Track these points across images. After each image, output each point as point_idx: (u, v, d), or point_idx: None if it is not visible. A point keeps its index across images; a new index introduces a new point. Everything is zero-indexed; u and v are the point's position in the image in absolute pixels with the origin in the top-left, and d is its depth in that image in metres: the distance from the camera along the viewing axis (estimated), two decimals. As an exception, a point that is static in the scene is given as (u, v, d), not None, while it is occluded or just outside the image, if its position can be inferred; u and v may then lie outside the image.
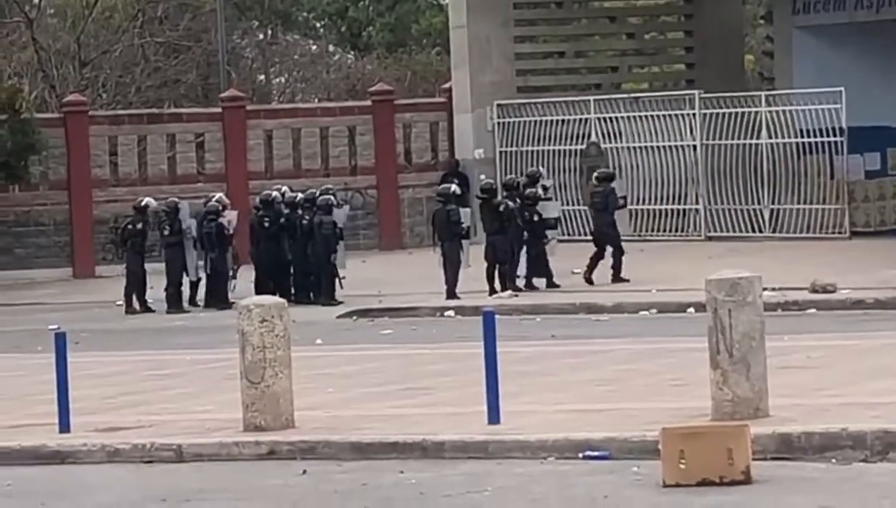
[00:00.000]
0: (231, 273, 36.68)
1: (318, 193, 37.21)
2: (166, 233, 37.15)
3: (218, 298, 36.37)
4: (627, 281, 35.01)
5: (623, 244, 35.95)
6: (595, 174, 38.63)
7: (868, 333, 25.30)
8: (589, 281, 35.32)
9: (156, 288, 36.79)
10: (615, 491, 14.67)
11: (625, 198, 38.31)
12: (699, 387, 17.27)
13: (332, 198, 36.89)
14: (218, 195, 38.33)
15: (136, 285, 37.14)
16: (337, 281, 36.07)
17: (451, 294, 34.66)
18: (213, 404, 20.34)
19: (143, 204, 38.12)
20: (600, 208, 36.78)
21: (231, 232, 36.75)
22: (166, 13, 65.55)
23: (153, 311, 36.54)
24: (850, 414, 16.65)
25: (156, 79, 63.58)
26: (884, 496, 13.80)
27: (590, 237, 43.57)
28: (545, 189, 37.53)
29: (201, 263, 36.56)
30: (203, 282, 36.82)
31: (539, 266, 35.63)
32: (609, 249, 35.89)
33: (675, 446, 14.85)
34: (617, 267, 35.67)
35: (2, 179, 45.61)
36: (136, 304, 36.86)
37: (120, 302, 37.06)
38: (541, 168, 40.91)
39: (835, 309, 29.51)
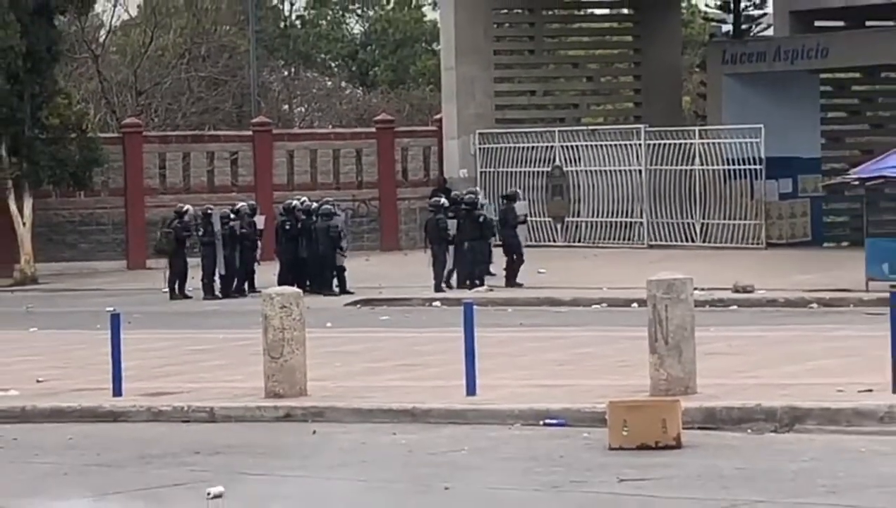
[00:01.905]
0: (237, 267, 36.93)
1: (318, 204, 37.33)
2: (200, 234, 37.22)
3: (228, 287, 36.62)
4: (521, 285, 34.65)
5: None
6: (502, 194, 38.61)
7: (779, 327, 25.34)
8: (513, 285, 35.10)
9: (195, 279, 36.84)
10: (569, 452, 14.67)
11: (525, 215, 38.22)
12: (640, 368, 17.29)
13: (331, 207, 37.02)
14: (233, 207, 38.17)
15: (177, 276, 37.21)
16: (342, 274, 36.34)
17: (438, 288, 34.67)
18: (240, 375, 20.34)
19: (184, 209, 38.18)
20: (502, 223, 36.66)
21: (239, 233, 36.83)
22: (208, 52, 65.64)
23: (191, 298, 36.54)
24: (764, 393, 16.68)
25: (198, 106, 63.66)
26: (791, 460, 13.81)
27: (551, 244, 44.02)
28: (481, 206, 37.30)
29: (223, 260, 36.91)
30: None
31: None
32: (513, 256, 35.64)
33: (619, 416, 14.87)
34: (512, 273, 35.28)
35: (70, 186, 45.64)
36: (177, 292, 36.99)
37: (165, 290, 37.09)
38: (479, 189, 40.83)
39: (752, 307, 29.54)
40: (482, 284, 34.76)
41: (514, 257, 35.52)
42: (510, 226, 36.33)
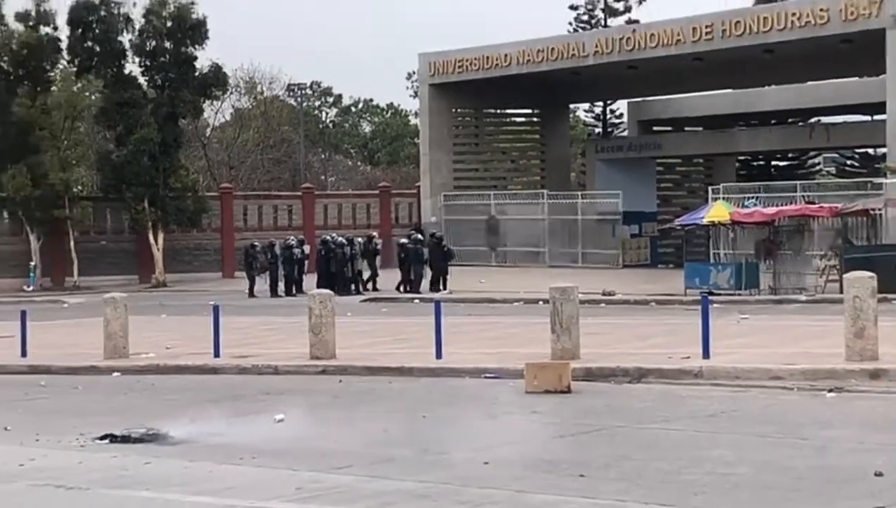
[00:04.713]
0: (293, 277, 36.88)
1: (340, 238, 37.54)
2: (269, 257, 37.34)
3: (290, 290, 36.61)
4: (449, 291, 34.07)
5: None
6: (434, 235, 37.51)
7: (631, 317, 25.38)
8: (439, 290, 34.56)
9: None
10: (501, 394, 14.67)
11: (450, 250, 37.11)
12: (545, 343, 17.30)
13: (344, 240, 37.14)
14: (293, 238, 38.49)
15: (253, 283, 37.40)
16: (360, 282, 36.39)
17: (416, 291, 34.68)
18: (294, 344, 20.31)
19: (268, 242, 38.32)
20: (437, 256, 35.78)
21: (298, 256, 36.94)
22: (274, 143, 65.83)
23: (257, 297, 36.48)
24: (622, 358, 16.74)
25: (267, 176, 63.80)
26: (639, 401, 13.83)
27: (488, 264, 43.99)
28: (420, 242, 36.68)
29: (282, 273, 37.08)
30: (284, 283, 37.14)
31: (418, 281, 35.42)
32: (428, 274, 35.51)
33: (532, 372, 14.90)
34: (439, 283, 34.93)
35: (187, 226, 45.77)
36: (252, 293, 37.08)
37: (245, 291, 37.10)
38: (442, 232, 40.25)
39: (614, 305, 29.58)
40: (446, 288, 34.76)
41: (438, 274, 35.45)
42: (444, 259, 36.11)
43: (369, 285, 36.80)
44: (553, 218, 44.37)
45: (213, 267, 46.37)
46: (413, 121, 73.83)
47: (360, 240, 37.69)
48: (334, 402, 14.65)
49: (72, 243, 43.81)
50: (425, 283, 35.13)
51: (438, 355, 17.63)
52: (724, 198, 35.16)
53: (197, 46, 44.75)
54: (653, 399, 13.90)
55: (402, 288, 35.58)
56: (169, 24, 44.24)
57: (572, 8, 58.53)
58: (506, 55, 44.98)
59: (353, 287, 36.03)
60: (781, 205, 34.17)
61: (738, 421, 12.03)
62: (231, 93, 61.72)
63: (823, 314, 22.69)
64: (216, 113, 65.03)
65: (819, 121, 48.85)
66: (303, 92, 68.99)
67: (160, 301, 35.62)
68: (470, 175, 49.64)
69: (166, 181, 44.09)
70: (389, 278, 37.06)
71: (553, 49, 43.75)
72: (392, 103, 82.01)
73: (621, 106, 56.68)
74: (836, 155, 58.42)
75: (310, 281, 35.91)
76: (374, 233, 39.54)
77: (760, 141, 47.93)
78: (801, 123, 49.43)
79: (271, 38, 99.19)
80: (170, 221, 44.60)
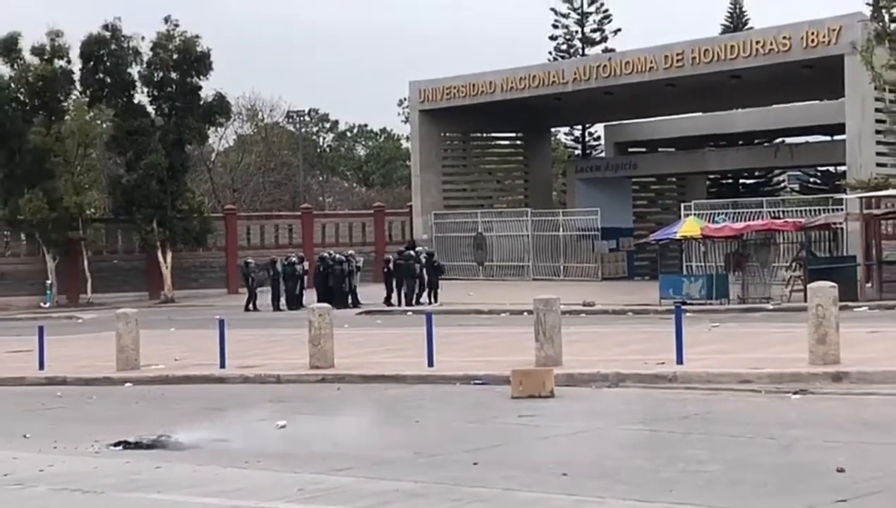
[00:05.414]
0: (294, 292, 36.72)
1: (337, 255, 37.46)
2: (271, 273, 37.26)
3: (291, 304, 36.35)
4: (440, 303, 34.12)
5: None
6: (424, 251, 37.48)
7: (610, 326, 25.40)
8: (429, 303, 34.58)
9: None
10: (489, 399, 14.68)
11: (440, 265, 37.16)
12: (530, 351, 17.31)
13: (342, 257, 37.07)
14: (293, 256, 38.39)
15: (252, 298, 37.25)
16: (355, 296, 36.30)
17: (409, 304, 34.63)
18: (295, 355, 20.25)
19: (269, 260, 38.20)
20: (428, 271, 35.71)
21: (299, 272, 36.84)
22: (275, 166, 65.79)
23: (259, 311, 36.31)
24: (601, 364, 16.72)
25: (269, 198, 63.76)
26: (619, 404, 13.82)
27: (475, 278, 43.92)
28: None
29: (284, 289, 36.96)
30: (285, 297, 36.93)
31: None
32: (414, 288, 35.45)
33: (518, 378, 14.90)
34: (429, 297, 35.10)
35: (195, 245, 45.66)
36: (251, 307, 36.92)
37: (256, 307, 37.00)
38: (434, 249, 40.56)
39: (595, 314, 29.56)
40: (436, 301, 34.74)
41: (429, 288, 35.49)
42: (438, 272, 36.27)
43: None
44: (536, 234, 44.43)
45: (218, 284, 46.28)
46: (405, 144, 73.90)
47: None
48: (333, 408, 14.65)
49: (85, 262, 43.73)
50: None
51: (430, 363, 17.62)
52: (695, 215, 35.26)
53: (201, 77, 44.81)
54: (631, 402, 13.90)
55: (387, 302, 35.58)
56: (175, 56, 44.31)
57: (552, 38, 58.87)
58: (490, 82, 45.12)
59: (349, 301, 35.98)
60: (749, 220, 34.29)
61: (710, 422, 12.06)
62: (234, 120, 61.69)
63: (789, 321, 22.74)
64: (220, 139, 65.05)
65: (783, 141, 49.05)
66: (301, 118, 69.00)
67: (169, 316, 35.51)
68: (458, 195, 49.62)
69: (174, 203, 44.05)
70: (377, 293, 37.04)
71: (535, 76, 43.90)
72: (385, 128, 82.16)
73: (599, 129, 56.83)
74: (800, 173, 58.68)
75: (310, 295, 35.86)
76: (352, 252, 39.53)
77: (729, 160, 48.12)
78: (766, 144, 49.62)
79: (272, 68, 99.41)
80: (177, 241, 44.55)
